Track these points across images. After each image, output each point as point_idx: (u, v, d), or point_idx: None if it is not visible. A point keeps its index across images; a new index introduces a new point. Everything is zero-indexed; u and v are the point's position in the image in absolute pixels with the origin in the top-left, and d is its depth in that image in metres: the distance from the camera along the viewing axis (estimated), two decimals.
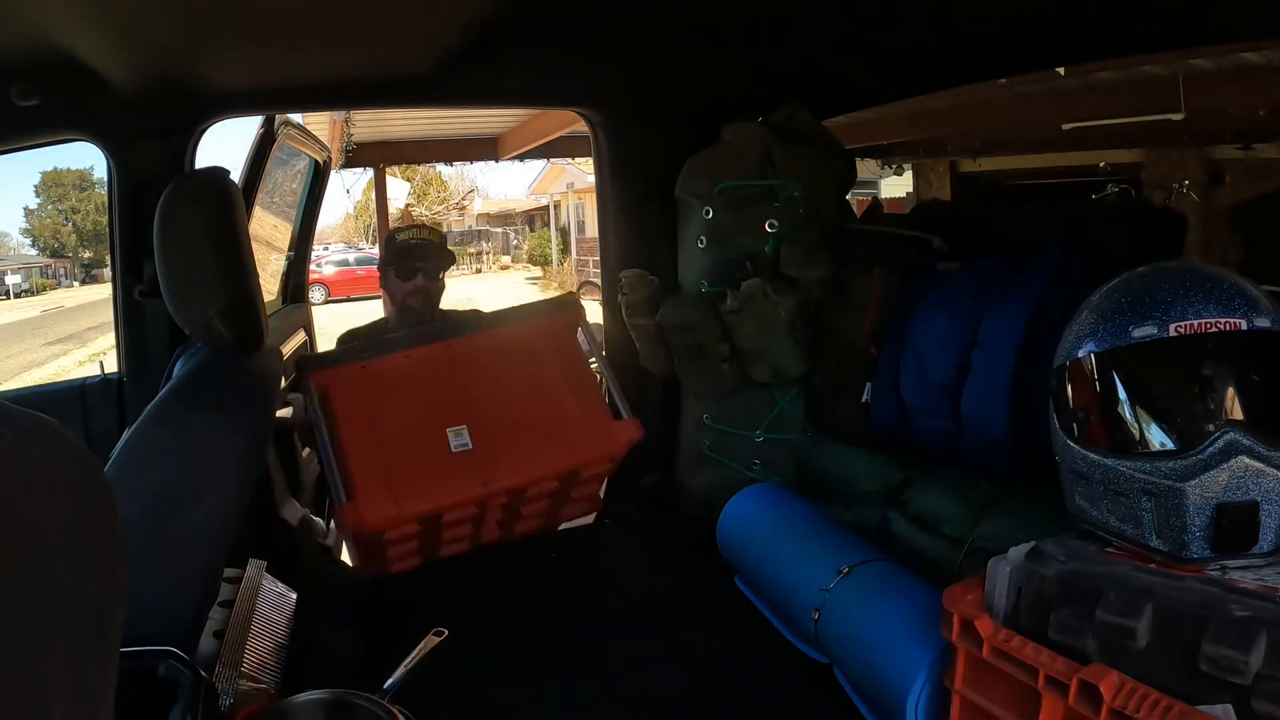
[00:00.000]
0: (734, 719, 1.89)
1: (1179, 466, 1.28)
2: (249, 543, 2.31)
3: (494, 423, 2.52)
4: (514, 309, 2.89)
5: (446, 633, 1.83)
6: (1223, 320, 1.29)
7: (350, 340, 3.28)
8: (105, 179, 2.55)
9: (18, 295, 44.87)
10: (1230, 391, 1.30)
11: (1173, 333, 1.30)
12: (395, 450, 2.42)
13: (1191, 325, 1.30)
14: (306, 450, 3.11)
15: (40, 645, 0.61)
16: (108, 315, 2.76)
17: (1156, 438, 1.34)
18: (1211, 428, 1.28)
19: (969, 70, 2.79)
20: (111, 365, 2.72)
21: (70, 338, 24.90)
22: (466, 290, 26.65)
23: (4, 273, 47.64)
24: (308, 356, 2.53)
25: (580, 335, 2.72)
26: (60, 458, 0.66)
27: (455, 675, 1.95)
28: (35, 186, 57.97)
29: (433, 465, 2.43)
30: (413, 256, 3.17)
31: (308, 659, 2.04)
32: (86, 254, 55.86)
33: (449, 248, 3.37)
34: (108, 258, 2.70)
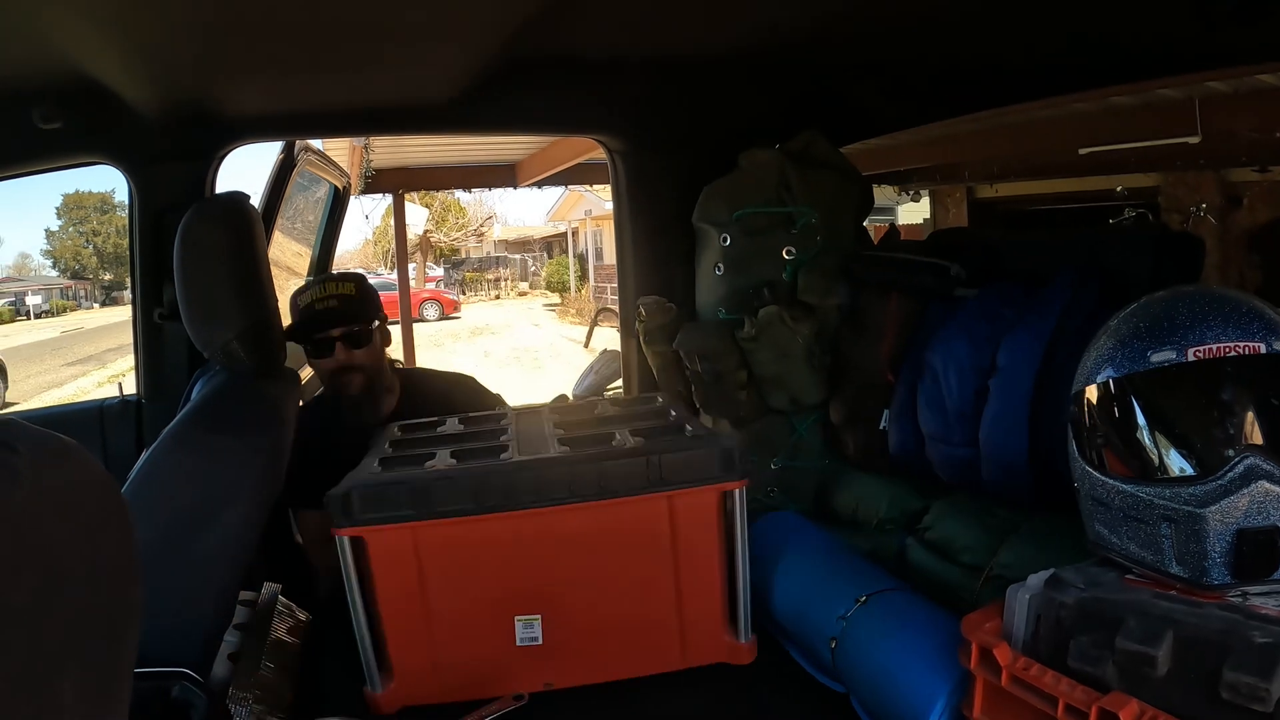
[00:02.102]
0: None
1: (1199, 492, 1.27)
2: (265, 566, 2.32)
3: (576, 615, 2.01)
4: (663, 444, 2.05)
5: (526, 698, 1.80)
6: (1241, 344, 1.28)
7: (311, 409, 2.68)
8: (126, 202, 2.57)
9: (38, 316, 45.25)
10: (1250, 416, 1.29)
11: (1191, 357, 1.30)
12: (446, 633, 1.98)
13: (1210, 349, 1.29)
14: None
15: (54, 664, 0.61)
16: (127, 337, 2.78)
17: (1176, 463, 1.33)
18: (1231, 452, 1.27)
19: (985, 96, 2.80)
20: (130, 387, 2.74)
21: (90, 359, 25.13)
22: (485, 316, 26.79)
23: (25, 293, 48.11)
24: (344, 494, 1.88)
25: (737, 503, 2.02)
26: (78, 478, 0.67)
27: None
28: (57, 208, 58.78)
29: (491, 657, 2.01)
30: (321, 324, 2.54)
31: (321, 683, 2.04)
32: (107, 276, 56.43)
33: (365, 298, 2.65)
34: (128, 280, 2.71)
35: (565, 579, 2.00)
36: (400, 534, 1.91)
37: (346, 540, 1.89)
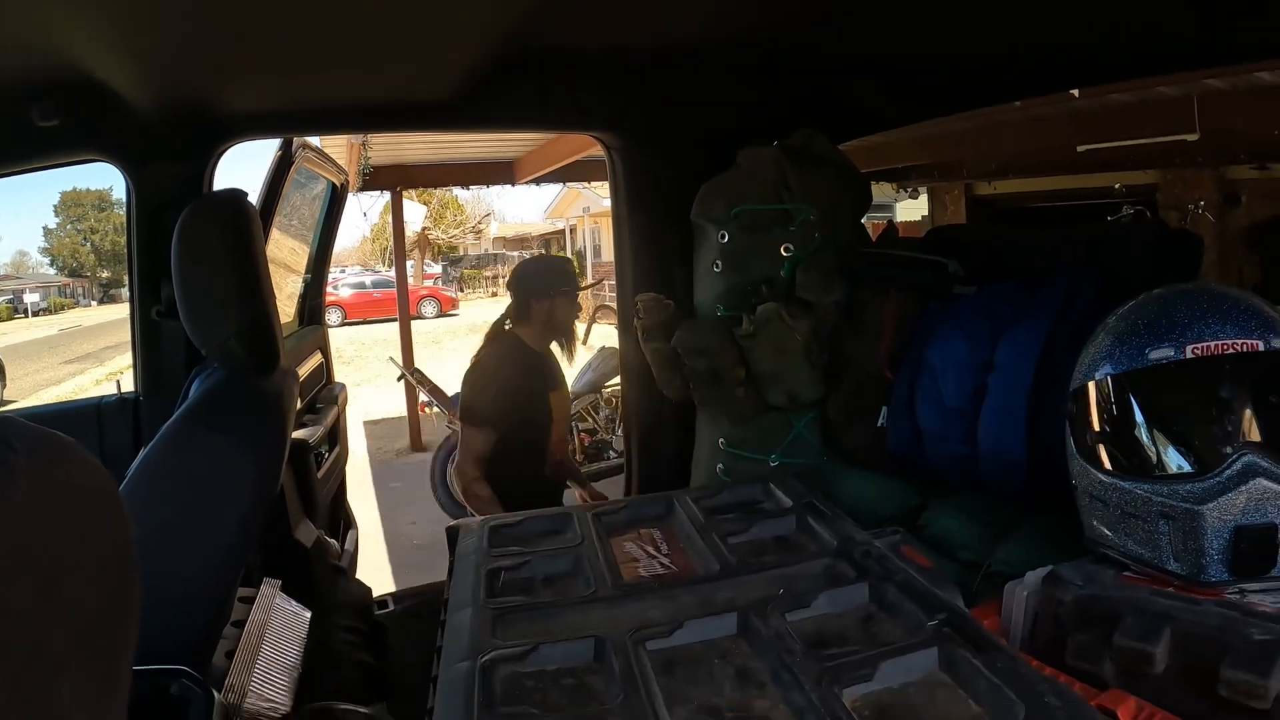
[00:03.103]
0: None
1: (1196, 489, 1.27)
2: (263, 563, 2.32)
3: None
4: None
5: None
6: (1239, 341, 1.28)
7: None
8: (124, 200, 2.56)
9: (36, 314, 45.37)
10: (1248, 413, 1.29)
11: (1189, 354, 1.30)
12: None
13: (1208, 347, 1.29)
14: (321, 471, 3.09)
15: (53, 662, 0.61)
16: (125, 335, 2.76)
17: (1174, 460, 1.33)
18: (1229, 450, 1.27)
19: (983, 93, 2.79)
20: (128, 384, 2.72)
21: (87, 356, 25.12)
22: (483, 313, 26.76)
23: (23, 291, 48.26)
24: None
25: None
26: (76, 475, 0.67)
27: None
28: (54, 206, 59.10)
29: None
30: None
31: (320, 678, 2.03)
32: (104, 274, 56.62)
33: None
34: (125, 278, 2.71)
35: None
36: None
37: None
